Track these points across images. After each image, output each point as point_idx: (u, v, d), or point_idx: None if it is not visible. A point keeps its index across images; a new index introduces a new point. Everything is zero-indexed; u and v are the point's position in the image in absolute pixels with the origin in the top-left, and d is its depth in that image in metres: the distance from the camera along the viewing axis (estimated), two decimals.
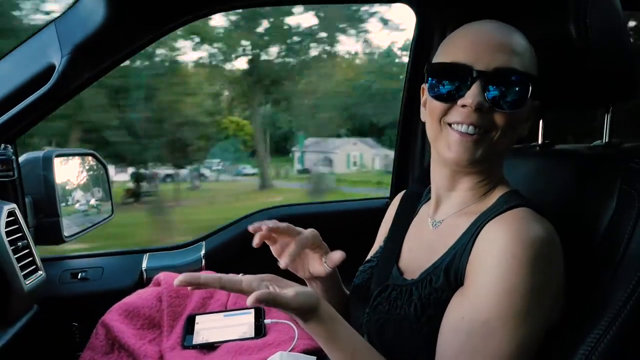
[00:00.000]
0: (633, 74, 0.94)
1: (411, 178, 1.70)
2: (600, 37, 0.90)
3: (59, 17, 1.18)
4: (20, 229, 1.26)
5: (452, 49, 0.81)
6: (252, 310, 1.26)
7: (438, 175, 0.91)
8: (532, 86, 0.78)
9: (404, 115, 1.68)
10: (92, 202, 1.65)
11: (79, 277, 1.53)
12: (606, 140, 0.98)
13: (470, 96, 0.76)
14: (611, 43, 0.92)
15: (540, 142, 1.16)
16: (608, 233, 0.84)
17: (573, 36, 0.91)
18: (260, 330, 1.19)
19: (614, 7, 0.92)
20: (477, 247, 0.77)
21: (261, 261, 1.56)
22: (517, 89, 0.77)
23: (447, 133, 0.81)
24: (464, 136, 0.78)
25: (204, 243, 1.66)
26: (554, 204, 0.96)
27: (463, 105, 0.78)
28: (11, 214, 1.24)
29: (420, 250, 0.93)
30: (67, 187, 1.58)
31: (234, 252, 1.62)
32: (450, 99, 0.79)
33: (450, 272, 0.79)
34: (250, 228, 0.87)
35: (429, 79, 0.82)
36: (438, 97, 0.81)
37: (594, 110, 1.04)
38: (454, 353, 0.75)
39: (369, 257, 1.09)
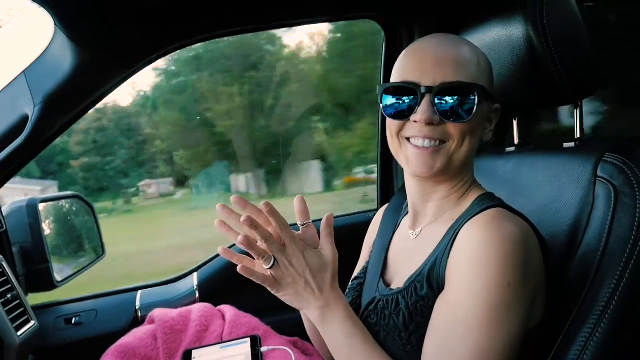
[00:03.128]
0: (595, 67, 0.95)
1: (396, 188, 1.70)
2: (559, 35, 0.91)
3: (28, 67, 1.19)
4: (8, 281, 1.26)
5: (401, 69, 0.86)
6: (248, 339, 1.25)
7: (411, 188, 0.94)
8: (479, 94, 0.80)
9: (382, 127, 1.69)
10: None
11: (72, 322, 1.51)
12: (578, 136, 0.99)
13: (420, 112, 0.80)
14: (571, 39, 0.93)
15: (516, 142, 1.17)
16: (588, 228, 0.85)
17: (532, 38, 0.92)
18: (257, 358, 1.18)
19: (569, 3, 0.94)
20: (454, 251, 0.78)
21: (256, 288, 1.56)
22: (464, 99, 0.80)
23: (405, 148, 0.86)
24: (421, 149, 0.83)
25: (195, 274, 1.65)
26: (533, 203, 0.97)
27: (415, 121, 0.82)
28: None
29: (404, 260, 0.94)
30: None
31: (227, 280, 1.61)
32: (403, 116, 0.84)
33: (432, 278, 0.81)
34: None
35: (383, 99, 0.86)
36: (392, 115, 0.85)
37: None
38: (434, 354, 0.76)
39: (356, 274, 1.10)
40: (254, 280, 0.82)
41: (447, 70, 0.80)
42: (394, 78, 0.87)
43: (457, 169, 0.86)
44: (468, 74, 0.81)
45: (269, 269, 0.81)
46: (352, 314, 0.85)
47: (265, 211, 0.79)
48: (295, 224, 0.87)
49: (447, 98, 0.79)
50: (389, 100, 0.85)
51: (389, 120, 0.87)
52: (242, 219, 0.77)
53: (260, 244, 0.80)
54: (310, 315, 0.84)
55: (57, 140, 1.24)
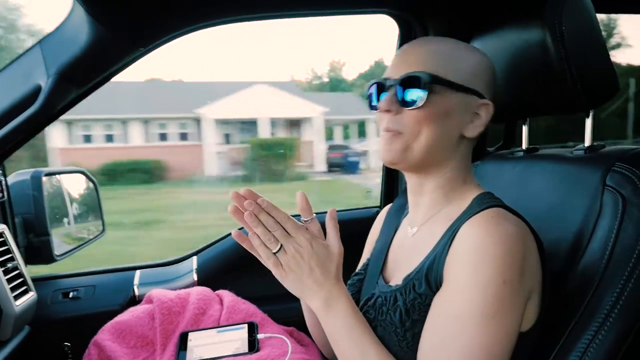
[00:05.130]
0: (610, 76, 0.95)
1: (400, 188, 1.71)
2: (576, 42, 0.91)
3: (44, 37, 1.19)
4: (9, 250, 1.26)
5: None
6: (245, 326, 1.26)
7: (408, 182, 0.97)
8: (433, 82, 0.83)
9: None
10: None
11: (70, 296, 1.52)
12: (588, 144, 0.99)
13: (381, 102, 0.87)
14: (587, 47, 0.93)
15: (524, 147, 1.17)
16: (593, 236, 0.85)
17: (549, 44, 0.92)
18: (253, 345, 1.19)
19: (588, 11, 0.94)
20: (453, 249, 0.79)
21: (254, 276, 1.57)
22: (416, 87, 0.84)
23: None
24: (383, 138, 0.89)
25: (195, 258, 1.66)
26: (539, 208, 0.97)
27: (380, 111, 0.89)
28: (0, 235, 1.23)
29: (403, 258, 0.95)
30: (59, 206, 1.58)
31: (226, 265, 1.62)
32: (375, 107, 0.91)
33: (430, 276, 0.82)
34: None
35: (367, 93, 0.94)
36: (371, 108, 0.93)
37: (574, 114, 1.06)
38: (429, 351, 0.76)
39: (357, 269, 1.10)
40: (258, 257, 0.84)
41: (410, 65, 0.86)
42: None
43: (422, 156, 0.87)
44: (430, 65, 0.85)
45: (275, 253, 0.82)
46: (354, 307, 0.85)
47: (263, 207, 0.82)
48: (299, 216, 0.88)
49: (403, 87, 0.86)
50: (369, 95, 0.94)
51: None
52: (245, 216, 0.81)
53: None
54: (312, 304, 0.85)
55: None
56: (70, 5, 1.15)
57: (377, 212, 1.75)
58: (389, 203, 1.22)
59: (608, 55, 0.95)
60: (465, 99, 0.87)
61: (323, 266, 0.83)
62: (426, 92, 0.83)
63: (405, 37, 1.58)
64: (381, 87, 0.90)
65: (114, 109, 18.75)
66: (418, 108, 0.84)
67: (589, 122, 1.00)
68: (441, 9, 1.48)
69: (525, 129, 1.17)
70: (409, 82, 0.85)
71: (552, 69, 0.94)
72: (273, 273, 0.84)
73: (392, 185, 1.75)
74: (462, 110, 0.87)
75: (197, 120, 19.97)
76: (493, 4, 1.29)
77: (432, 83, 0.83)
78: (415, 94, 0.84)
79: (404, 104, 0.86)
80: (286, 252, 0.82)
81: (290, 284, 0.84)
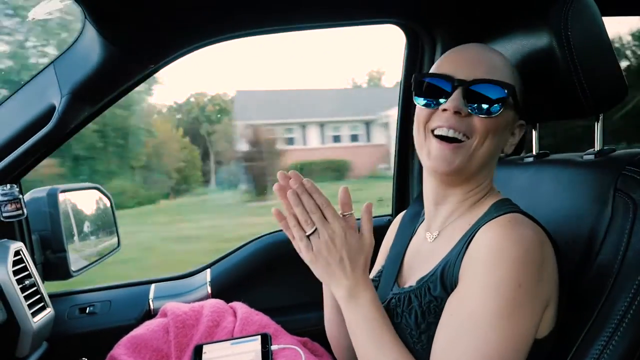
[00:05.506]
0: (618, 79, 0.95)
1: (411, 196, 1.71)
2: (583, 46, 0.91)
3: (57, 58, 1.22)
4: (27, 267, 1.28)
5: (438, 65, 0.90)
6: (259, 337, 1.26)
7: (428, 189, 0.96)
8: (509, 94, 0.83)
9: (399, 135, 1.70)
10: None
11: (87, 311, 1.53)
12: (598, 149, 0.99)
13: (451, 101, 0.83)
14: (594, 51, 0.93)
15: (534, 152, 1.17)
16: (605, 241, 0.84)
17: (555, 49, 0.92)
18: (267, 356, 1.18)
19: (593, 15, 0.94)
20: (469, 252, 0.79)
21: (267, 286, 1.57)
22: (494, 96, 0.82)
23: (429, 142, 0.88)
24: (443, 144, 0.84)
25: (209, 270, 1.67)
26: (550, 214, 0.96)
27: (444, 110, 0.84)
28: (18, 252, 1.26)
29: (418, 263, 0.95)
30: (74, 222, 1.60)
31: (240, 278, 1.63)
32: (433, 104, 0.86)
33: (445, 279, 0.82)
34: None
35: (416, 88, 0.89)
36: (423, 103, 0.88)
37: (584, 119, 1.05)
38: (443, 349, 0.76)
39: (371, 276, 1.10)
40: (291, 238, 0.86)
41: (481, 69, 0.84)
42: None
43: (476, 170, 0.87)
44: (500, 76, 0.84)
45: (309, 235, 0.83)
46: (377, 301, 0.85)
47: (307, 187, 0.83)
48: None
49: (478, 92, 0.82)
50: (422, 89, 0.88)
51: (418, 109, 0.90)
52: (288, 193, 0.83)
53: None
54: (336, 292, 0.85)
55: None
56: (81, 26, 1.18)
57: (389, 221, 1.75)
58: (400, 211, 1.22)
59: (615, 59, 0.94)
60: (514, 117, 0.89)
61: (353, 257, 0.83)
62: (504, 101, 0.83)
63: (412, 47, 1.58)
64: (440, 83, 0.85)
65: (293, 114, 19.49)
66: (490, 117, 0.83)
67: (598, 127, 0.99)
68: (448, 17, 1.49)
69: (535, 134, 1.17)
70: (485, 87, 0.83)
71: (559, 73, 0.93)
72: (303, 256, 0.85)
73: (404, 193, 1.75)
74: (509, 127, 0.89)
75: (366, 123, 20.49)
76: (499, 12, 1.30)
77: (509, 95, 0.83)
78: (494, 101, 0.83)
79: (477, 110, 0.83)
80: (320, 237, 0.82)
81: (318, 269, 0.85)
